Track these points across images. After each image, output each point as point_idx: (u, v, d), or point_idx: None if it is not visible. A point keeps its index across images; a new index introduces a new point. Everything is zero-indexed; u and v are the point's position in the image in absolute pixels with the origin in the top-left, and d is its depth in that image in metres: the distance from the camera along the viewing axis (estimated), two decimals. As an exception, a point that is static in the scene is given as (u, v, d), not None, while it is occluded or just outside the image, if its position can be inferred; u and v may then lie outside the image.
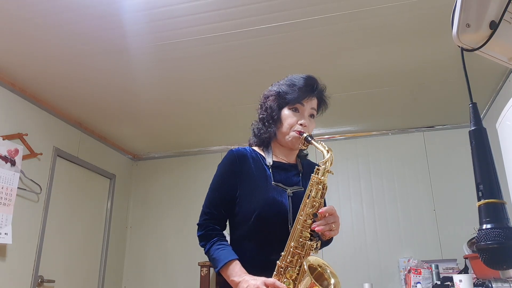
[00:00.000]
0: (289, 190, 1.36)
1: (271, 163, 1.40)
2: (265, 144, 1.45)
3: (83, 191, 3.59)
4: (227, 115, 3.45)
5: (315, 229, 1.21)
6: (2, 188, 2.62)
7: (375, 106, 3.34)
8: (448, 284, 2.79)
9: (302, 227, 1.23)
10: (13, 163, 2.72)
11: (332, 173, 1.31)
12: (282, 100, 1.41)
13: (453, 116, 3.52)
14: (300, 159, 1.50)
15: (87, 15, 2.19)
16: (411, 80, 2.93)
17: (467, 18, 0.76)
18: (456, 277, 2.52)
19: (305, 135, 1.35)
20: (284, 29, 2.33)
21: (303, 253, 1.22)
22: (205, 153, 4.20)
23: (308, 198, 1.27)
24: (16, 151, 2.77)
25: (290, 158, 1.47)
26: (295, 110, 1.40)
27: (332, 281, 1.17)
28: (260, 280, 1.18)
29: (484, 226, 0.67)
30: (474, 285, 2.50)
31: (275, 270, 1.22)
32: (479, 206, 0.69)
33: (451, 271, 3.12)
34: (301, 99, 1.39)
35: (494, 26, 0.76)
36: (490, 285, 2.30)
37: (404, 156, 3.72)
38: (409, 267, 3.16)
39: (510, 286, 2.27)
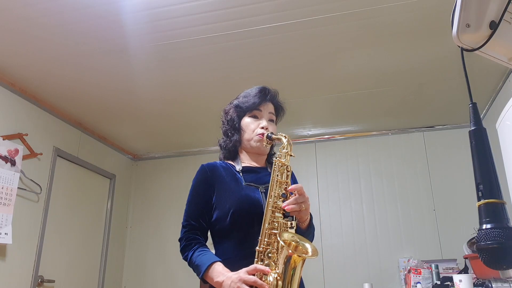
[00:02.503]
0: (261, 187, 1.42)
1: (241, 169, 1.47)
2: (233, 154, 1.54)
3: (83, 191, 3.59)
4: (227, 115, 3.45)
5: (285, 208, 1.24)
6: (2, 188, 2.62)
7: (375, 106, 3.34)
8: (448, 284, 2.79)
9: (273, 208, 1.27)
10: (13, 163, 2.72)
11: (294, 156, 1.37)
12: (240, 109, 1.53)
13: (453, 116, 3.52)
14: (270, 164, 1.54)
15: (87, 15, 2.19)
16: (411, 80, 2.93)
17: (467, 18, 0.76)
18: (456, 277, 2.52)
19: (266, 133, 1.44)
20: (284, 29, 2.33)
21: (278, 231, 1.24)
22: (205, 153, 4.20)
23: (275, 182, 1.31)
24: (16, 151, 2.77)
25: (259, 163, 1.53)
26: (254, 117, 1.51)
27: (309, 248, 1.19)
28: (242, 271, 1.19)
29: (484, 226, 0.67)
30: (474, 285, 2.50)
31: (256, 256, 1.23)
32: (479, 206, 0.69)
33: (451, 271, 3.12)
34: (257, 105, 1.50)
35: (494, 26, 0.76)
36: (490, 285, 2.30)
37: (404, 156, 3.72)
38: (409, 267, 3.16)
39: (510, 286, 2.27)
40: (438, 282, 2.95)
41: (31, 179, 2.91)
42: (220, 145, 1.60)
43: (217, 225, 1.39)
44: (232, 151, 1.54)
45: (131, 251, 4.11)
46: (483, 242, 0.66)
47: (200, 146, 4.17)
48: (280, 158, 1.36)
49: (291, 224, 1.25)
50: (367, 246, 3.54)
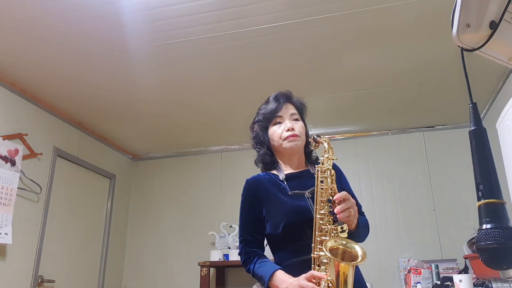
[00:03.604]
0: (307, 193, 1.44)
1: (284, 177, 1.49)
2: (272, 164, 1.56)
3: (83, 191, 3.59)
4: (227, 115, 3.45)
5: (335, 212, 1.26)
6: (2, 188, 2.62)
7: (375, 106, 3.34)
8: (448, 284, 2.79)
9: (321, 215, 1.30)
10: (13, 163, 2.72)
11: (336, 159, 1.40)
12: (262, 123, 1.56)
13: (453, 116, 3.52)
14: (311, 164, 1.57)
15: (87, 15, 2.19)
16: (411, 80, 2.93)
17: (467, 18, 0.76)
18: (456, 277, 2.52)
19: (313, 136, 1.47)
20: (284, 29, 2.33)
21: (327, 238, 1.26)
22: (205, 153, 4.20)
23: (320, 189, 1.33)
24: (16, 151, 2.77)
25: (300, 166, 1.55)
26: (278, 123, 1.53)
27: (359, 252, 1.21)
28: (301, 277, 1.24)
29: (484, 226, 0.67)
30: (474, 285, 2.50)
31: (312, 262, 1.27)
32: (479, 206, 0.69)
33: (451, 271, 3.12)
34: (276, 111, 1.53)
35: (494, 26, 0.76)
36: (490, 285, 2.30)
37: (404, 156, 3.72)
38: (409, 267, 3.16)
39: (510, 286, 2.27)
40: (438, 282, 2.95)
41: (31, 179, 2.91)
42: (255, 162, 1.62)
43: (271, 236, 1.44)
44: (267, 163, 1.56)
45: (131, 251, 4.10)
46: (483, 242, 0.66)
47: (200, 146, 4.17)
48: (322, 164, 1.38)
49: (342, 228, 1.26)
50: (367, 246, 3.52)
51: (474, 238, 2.71)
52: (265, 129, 1.55)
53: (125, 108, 3.29)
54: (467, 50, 0.79)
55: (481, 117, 0.79)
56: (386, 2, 2.12)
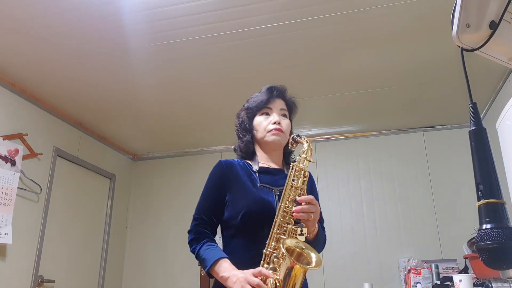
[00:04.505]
0: (276, 190, 1.41)
1: (258, 169, 1.46)
2: (249, 154, 1.53)
3: (83, 191, 3.59)
4: (227, 115, 3.45)
5: (294, 213, 1.25)
6: (2, 188, 2.62)
7: (375, 106, 3.34)
8: (448, 284, 2.79)
9: (284, 213, 1.27)
10: (13, 163, 2.72)
11: (312, 161, 1.37)
12: (250, 110, 1.53)
13: (453, 116, 3.52)
14: (287, 165, 1.54)
15: (87, 15, 2.19)
16: (411, 80, 2.93)
17: (467, 18, 0.76)
18: (456, 277, 2.52)
19: (293, 135, 1.43)
20: (284, 29, 2.33)
21: (286, 237, 1.24)
22: (205, 153, 4.20)
23: (290, 187, 1.31)
24: (16, 151, 2.77)
25: (277, 164, 1.52)
26: (265, 114, 1.50)
27: (314, 258, 1.19)
28: (248, 271, 1.21)
29: (484, 226, 0.67)
30: (474, 285, 2.50)
31: (262, 259, 1.25)
32: (479, 206, 0.69)
33: (451, 271, 3.12)
34: (266, 102, 1.50)
35: (494, 26, 0.76)
36: (490, 285, 2.30)
37: (404, 156, 3.72)
38: (409, 267, 3.16)
39: (510, 286, 2.27)
40: (438, 282, 2.95)
41: (31, 179, 2.91)
42: (234, 149, 1.59)
43: (228, 223, 1.40)
44: (246, 152, 1.53)
45: (131, 251, 4.10)
46: (483, 242, 0.66)
47: (200, 146, 4.17)
48: (298, 163, 1.35)
49: (301, 231, 1.24)
50: (367, 246, 3.54)
51: (474, 238, 2.71)
52: (252, 117, 1.52)
53: (125, 108, 3.29)
54: (467, 50, 0.79)
55: (481, 117, 0.79)
56: (386, 2, 2.12)
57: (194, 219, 1.44)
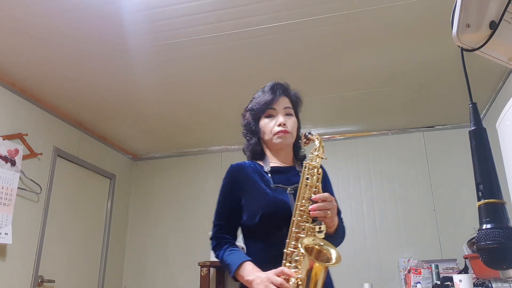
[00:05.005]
0: (290, 188, 1.41)
1: (269, 169, 1.47)
2: (258, 155, 1.53)
3: (83, 191, 3.59)
4: (227, 115, 3.45)
5: (310, 212, 1.25)
6: (2, 188, 2.62)
7: (375, 106, 3.34)
8: (448, 284, 2.79)
9: (301, 212, 1.28)
10: (13, 163, 2.72)
11: (326, 158, 1.37)
12: (254, 112, 1.52)
13: (453, 116, 3.52)
14: (298, 161, 1.55)
15: (87, 15, 2.19)
16: (411, 80, 2.93)
17: (467, 18, 0.76)
18: (456, 277, 2.52)
19: (304, 133, 1.44)
20: (284, 29, 2.33)
21: (304, 236, 1.25)
22: (205, 153, 4.20)
23: (304, 185, 1.31)
24: (16, 151, 2.77)
25: (286, 161, 1.52)
26: (270, 116, 1.50)
27: (334, 254, 1.20)
28: (270, 272, 1.22)
29: (484, 226, 0.67)
30: (474, 285, 2.50)
31: (284, 258, 1.26)
32: (479, 206, 0.69)
33: (451, 271, 3.12)
34: (270, 104, 1.49)
35: (494, 26, 0.76)
36: (490, 285, 2.30)
37: (404, 156, 3.72)
38: (409, 267, 3.16)
39: (510, 286, 2.27)
40: (438, 282, 2.95)
41: (31, 179, 2.91)
42: (243, 150, 1.60)
43: (246, 226, 1.42)
44: (255, 153, 1.54)
45: (131, 251, 4.10)
46: (483, 242, 0.66)
47: (200, 146, 4.17)
48: (310, 160, 1.36)
49: (320, 228, 1.25)
50: (367, 246, 3.54)
51: (474, 238, 2.71)
52: (257, 119, 1.52)
53: (125, 108, 3.29)
54: (467, 50, 0.79)
55: (481, 117, 0.79)
56: (386, 2, 2.12)
57: (214, 225, 1.46)
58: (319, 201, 1.26)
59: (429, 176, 3.60)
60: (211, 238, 1.46)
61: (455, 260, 3.21)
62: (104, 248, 3.77)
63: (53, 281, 3.07)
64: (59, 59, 2.60)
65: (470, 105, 0.76)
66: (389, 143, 3.79)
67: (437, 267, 3.09)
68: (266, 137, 1.49)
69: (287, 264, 1.24)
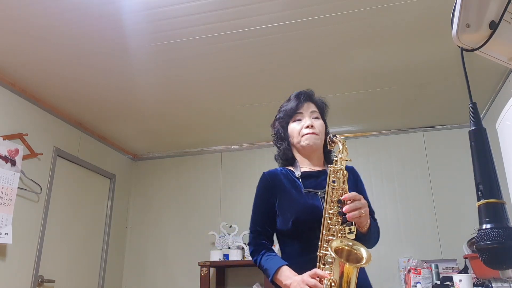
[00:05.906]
0: (320, 192, 1.45)
1: (300, 174, 1.51)
2: (289, 160, 1.58)
3: (83, 191, 3.59)
4: (227, 115, 3.45)
5: (347, 216, 1.26)
6: (2, 188, 2.62)
7: (375, 106, 3.34)
8: (448, 284, 2.80)
9: (330, 215, 1.31)
10: (13, 163, 2.72)
11: (350, 160, 1.40)
12: (282, 119, 1.58)
13: (453, 116, 3.52)
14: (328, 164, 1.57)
15: (87, 15, 2.19)
16: (411, 80, 2.93)
17: (467, 18, 0.76)
18: (456, 277, 2.52)
19: (329, 135, 1.46)
20: (284, 29, 2.33)
21: (334, 238, 1.27)
22: (205, 153, 4.20)
23: (331, 189, 1.34)
24: (16, 151, 2.77)
25: (317, 165, 1.56)
26: (298, 120, 1.54)
27: (364, 254, 1.24)
28: (305, 274, 1.26)
29: (484, 226, 0.67)
30: (474, 285, 2.50)
31: (318, 260, 1.29)
32: (479, 206, 0.69)
33: (451, 271, 3.12)
34: (296, 108, 1.54)
35: (494, 26, 0.76)
36: (490, 285, 2.30)
37: (404, 156, 3.72)
38: (409, 267, 3.16)
39: (510, 286, 2.27)
40: (438, 282, 2.95)
41: (31, 179, 2.91)
42: (275, 158, 1.64)
43: (281, 231, 1.47)
44: (286, 159, 1.58)
45: (131, 251, 4.10)
46: (483, 242, 0.66)
47: (200, 146, 4.17)
48: (334, 164, 1.39)
49: (350, 229, 1.27)
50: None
51: (474, 238, 2.71)
52: (286, 125, 1.57)
53: (125, 108, 3.29)
54: (467, 50, 0.79)
55: (481, 117, 0.79)
56: (386, 2, 2.12)
57: (251, 231, 1.52)
58: (348, 201, 1.28)
59: (429, 176, 3.60)
60: (249, 244, 1.51)
61: (455, 260, 3.21)
62: (104, 248, 3.77)
63: (53, 281, 3.08)
64: (59, 59, 2.60)
65: (470, 105, 0.76)
66: (389, 143, 3.79)
67: (437, 267, 3.09)
68: (295, 140, 1.53)
69: (321, 266, 1.27)
